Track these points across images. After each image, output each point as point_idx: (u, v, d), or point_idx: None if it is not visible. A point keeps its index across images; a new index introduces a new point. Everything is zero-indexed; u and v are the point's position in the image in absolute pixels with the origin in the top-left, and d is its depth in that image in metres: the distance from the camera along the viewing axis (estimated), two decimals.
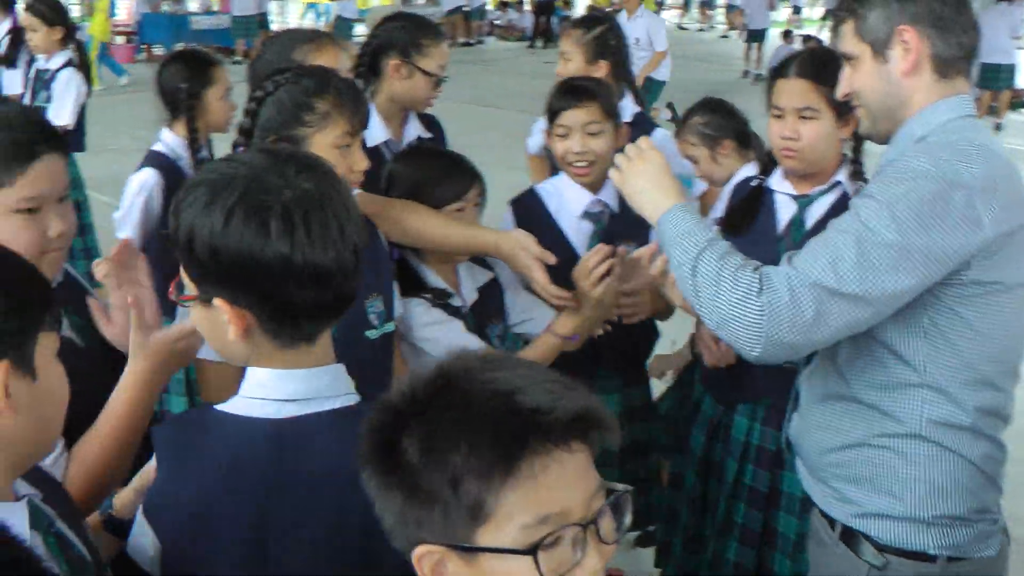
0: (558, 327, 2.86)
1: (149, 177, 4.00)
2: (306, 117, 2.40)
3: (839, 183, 3.09)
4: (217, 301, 1.59)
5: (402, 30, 3.61)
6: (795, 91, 2.99)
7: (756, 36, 20.86)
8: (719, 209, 3.36)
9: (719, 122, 4.09)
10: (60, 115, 6.07)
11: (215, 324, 1.63)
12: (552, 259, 2.78)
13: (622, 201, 3.18)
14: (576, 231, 3.29)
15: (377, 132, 3.51)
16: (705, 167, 4.07)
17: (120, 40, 21.84)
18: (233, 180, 1.56)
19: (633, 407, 3.56)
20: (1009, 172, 2.21)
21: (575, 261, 3.08)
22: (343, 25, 22.92)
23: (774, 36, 20.50)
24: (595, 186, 3.28)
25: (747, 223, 3.19)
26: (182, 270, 1.64)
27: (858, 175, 3.12)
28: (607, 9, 17.40)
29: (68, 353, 2.08)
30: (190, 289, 1.64)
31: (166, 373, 2.08)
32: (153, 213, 3.97)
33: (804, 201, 3.10)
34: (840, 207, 2.99)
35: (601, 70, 4.14)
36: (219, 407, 1.69)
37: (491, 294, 3.07)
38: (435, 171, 2.93)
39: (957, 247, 2.10)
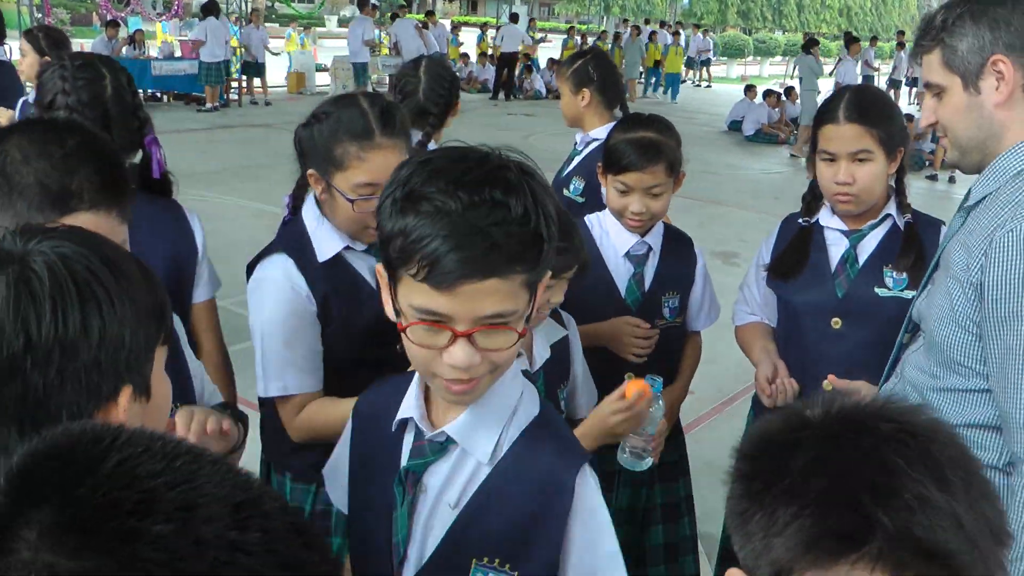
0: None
1: None
2: None
3: (889, 215, 3.07)
4: None
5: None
6: (847, 136, 2.95)
7: None
8: (764, 252, 3.32)
9: None
10: None
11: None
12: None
13: (666, 247, 3.26)
14: (616, 268, 3.24)
15: None
16: None
17: None
18: None
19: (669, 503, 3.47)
20: None
21: (614, 297, 3.21)
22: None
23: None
24: (644, 229, 3.24)
25: (800, 265, 3.14)
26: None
27: (904, 206, 3.10)
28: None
29: None
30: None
31: None
32: None
33: (856, 237, 3.07)
34: (891, 238, 3.03)
35: (586, 99, 4.47)
36: None
37: (563, 353, 2.86)
38: None
39: None
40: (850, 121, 2.95)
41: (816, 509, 1.06)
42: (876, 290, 3.00)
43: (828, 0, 68.23)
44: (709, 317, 3.45)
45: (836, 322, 3.05)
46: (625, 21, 39.34)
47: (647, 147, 3.10)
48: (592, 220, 3.34)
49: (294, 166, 2.71)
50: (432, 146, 3.89)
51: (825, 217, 3.16)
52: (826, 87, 18.80)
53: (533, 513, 1.74)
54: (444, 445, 1.77)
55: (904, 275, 2.99)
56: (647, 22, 38.76)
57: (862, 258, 3.06)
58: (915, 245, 3.01)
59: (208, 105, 20.89)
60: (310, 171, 2.63)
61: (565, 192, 4.41)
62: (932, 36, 2.31)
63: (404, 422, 1.82)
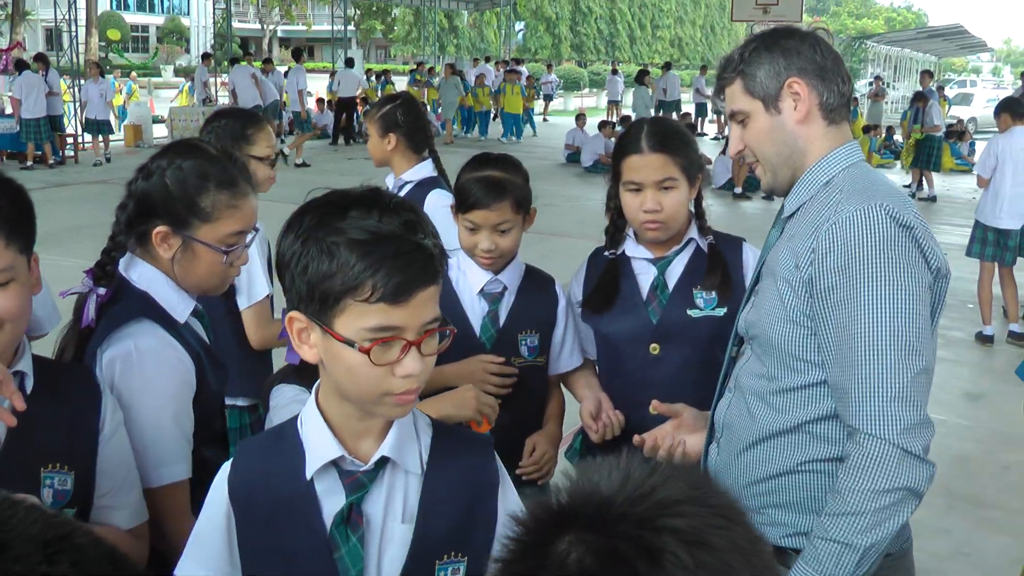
0: None
1: None
2: None
3: (692, 239, 3.20)
4: None
5: (226, 127, 3.80)
6: (653, 165, 3.06)
7: None
8: (576, 290, 3.39)
9: None
10: None
11: None
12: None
13: (524, 286, 3.28)
14: (471, 307, 3.25)
15: None
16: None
17: None
18: None
19: None
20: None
21: (469, 337, 3.20)
22: None
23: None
24: (499, 268, 3.26)
25: (613, 296, 3.23)
26: None
27: (704, 229, 3.25)
28: None
29: None
30: None
31: None
32: None
33: (663, 263, 3.18)
34: (696, 261, 3.17)
35: (392, 143, 4.58)
36: None
37: None
38: None
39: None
40: (654, 151, 3.07)
41: None
42: (689, 312, 3.11)
43: (659, 32, 70.19)
44: (572, 359, 3.41)
45: (654, 347, 3.15)
46: (475, 60, 39.51)
47: (492, 185, 3.13)
48: (451, 262, 3.33)
49: None
50: None
51: (630, 248, 3.25)
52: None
53: (470, 500, 1.91)
54: (376, 471, 1.84)
55: (713, 294, 3.11)
56: (487, 59, 39.15)
57: (671, 283, 3.16)
58: (720, 264, 3.15)
59: (29, 163, 20.14)
60: (159, 228, 2.44)
61: None
62: (732, 68, 2.54)
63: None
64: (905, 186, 20.19)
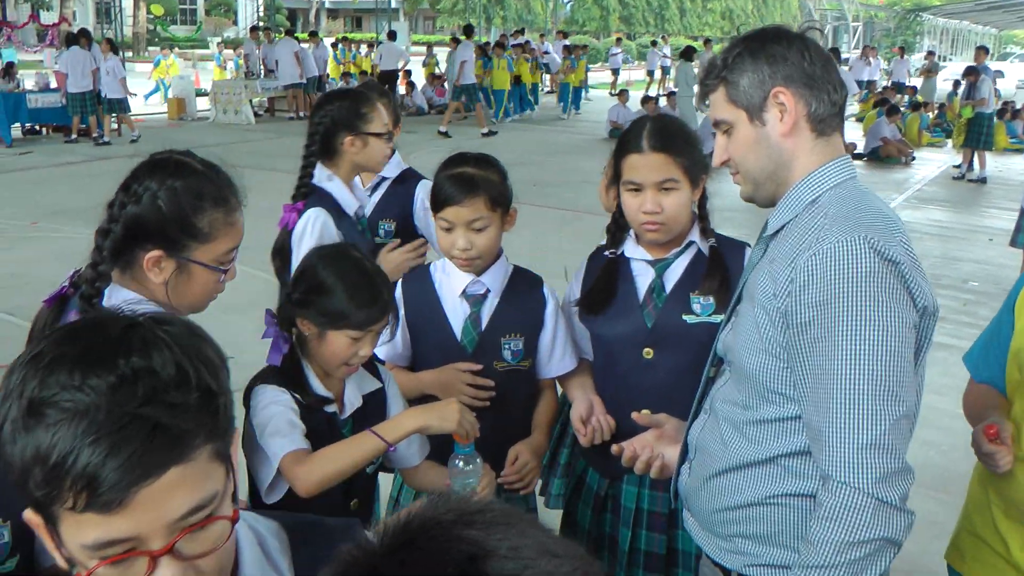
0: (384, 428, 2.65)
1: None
2: None
3: (693, 242, 3.09)
4: None
5: (341, 108, 3.86)
6: (654, 165, 2.96)
7: None
8: (576, 288, 3.28)
9: None
10: None
11: None
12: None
13: (509, 288, 3.22)
14: (452, 310, 3.19)
15: (350, 202, 3.94)
16: None
17: None
18: None
19: None
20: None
21: (451, 340, 3.17)
22: None
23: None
24: (479, 270, 3.18)
25: (609, 298, 3.13)
26: None
27: (707, 232, 3.13)
28: None
29: None
30: None
31: None
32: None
33: (661, 266, 3.08)
34: (696, 265, 3.06)
35: (396, 135, 4.39)
36: None
37: (375, 403, 2.88)
38: (354, 296, 2.68)
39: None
40: (655, 151, 2.96)
41: None
42: (684, 317, 3.02)
43: (710, 4, 69.48)
44: (563, 363, 3.30)
45: (648, 352, 3.05)
46: (518, 32, 39.08)
47: (465, 181, 3.08)
48: (437, 264, 3.31)
49: None
50: None
51: (630, 248, 3.16)
52: None
53: None
54: None
55: (711, 300, 3.01)
56: (521, 32, 38.62)
57: (668, 287, 3.06)
58: (719, 269, 3.04)
59: (74, 136, 20.40)
60: (153, 253, 2.33)
61: (377, 240, 4.32)
62: (715, 75, 2.38)
63: None
64: (955, 167, 19.78)
